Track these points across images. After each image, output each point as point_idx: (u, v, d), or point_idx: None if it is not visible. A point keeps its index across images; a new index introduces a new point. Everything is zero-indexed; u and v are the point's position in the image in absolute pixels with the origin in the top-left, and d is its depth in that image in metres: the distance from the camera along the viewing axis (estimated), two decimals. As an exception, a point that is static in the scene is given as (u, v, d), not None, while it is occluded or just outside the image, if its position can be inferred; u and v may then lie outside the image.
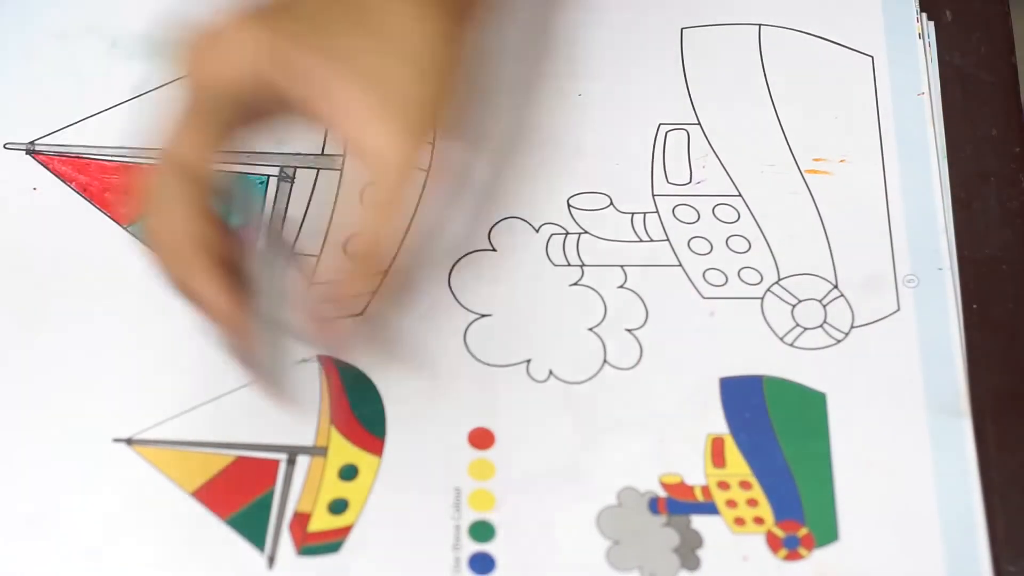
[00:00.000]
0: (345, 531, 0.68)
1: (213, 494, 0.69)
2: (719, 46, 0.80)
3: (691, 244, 0.75)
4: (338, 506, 0.69)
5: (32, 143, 0.77)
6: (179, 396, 0.71)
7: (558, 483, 0.69)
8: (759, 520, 0.69)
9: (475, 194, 0.76)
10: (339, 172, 0.76)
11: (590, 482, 0.69)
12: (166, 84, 0.78)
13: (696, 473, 0.70)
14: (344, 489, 0.69)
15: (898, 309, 0.73)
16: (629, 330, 0.73)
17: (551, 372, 0.72)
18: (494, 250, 0.75)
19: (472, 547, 0.68)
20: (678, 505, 0.69)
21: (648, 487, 0.69)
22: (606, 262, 0.74)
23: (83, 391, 0.71)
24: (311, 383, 0.71)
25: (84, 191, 0.76)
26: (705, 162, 0.77)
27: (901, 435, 0.70)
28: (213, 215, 0.65)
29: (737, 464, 0.70)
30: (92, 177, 0.76)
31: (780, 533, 0.68)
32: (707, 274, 0.74)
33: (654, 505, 0.69)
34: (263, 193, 0.76)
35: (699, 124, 0.78)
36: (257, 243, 0.70)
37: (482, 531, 0.69)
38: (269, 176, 0.76)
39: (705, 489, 0.69)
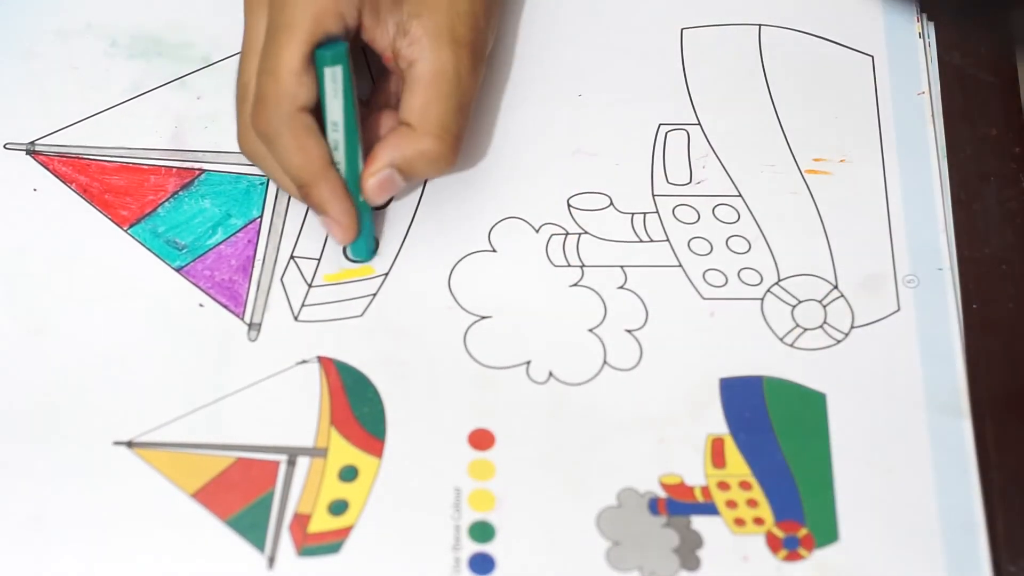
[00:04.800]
0: (345, 532, 0.69)
1: (213, 495, 0.69)
2: (719, 46, 0.80)
3: (691, 244, 0.75)
4: (338, 507, 0.69)
5: (32, 143, 0.77)
6: (179, 398, 0.71)
7: (558, 483, 0.70)
8: (759, 520, 0.69)
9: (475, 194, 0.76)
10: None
11: (590, 483, 0.69)
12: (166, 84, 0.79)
13: (696, 473, 0.70)
14: (344, 490, 0.69)
15: (898, 309, 0.73)
16: (629, 331, 0.73)
17: (551, 374, 0.72)
18: (494, 250, 0.75)
19: (472, 547, 0.68)
20: (678, 506, 0.69)
21: (648, 488, 0.69)
22: (606, 263, 0.74)
23: (83, 394, 0.71)
24: (311, 384, 0.71)
25: (84, 192, 0.76)
26: (705, 162, 0.77)
27: (901, 435, 0.70)
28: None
29: (737, 464, 0.70)
30: (92, 178, 0.76)
31: (780, 533, 0.68)
32: (707, 275, 0.74)
33: (654, 506, 0.69)
34: (263, 194, 0.76)
35: (699, 124, 0.78)
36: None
37: (482, 531, 0.69)
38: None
39: (705, 490, 0.69)
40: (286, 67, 0.69)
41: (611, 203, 0.76)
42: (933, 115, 0.78)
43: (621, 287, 0.74)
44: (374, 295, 0.73)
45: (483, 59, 0.74)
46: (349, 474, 0.69)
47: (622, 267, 0.74)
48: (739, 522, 0.69)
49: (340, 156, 0.71)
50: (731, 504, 0.69)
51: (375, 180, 0.72)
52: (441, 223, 0.75)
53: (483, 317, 0.73)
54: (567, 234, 0.75)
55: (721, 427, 0.71)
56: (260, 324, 0.73)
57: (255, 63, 0.71)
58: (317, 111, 0.71)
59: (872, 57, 0.79)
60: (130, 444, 0.70)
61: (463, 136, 0.73)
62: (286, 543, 0.68)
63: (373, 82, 0.76)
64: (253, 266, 0.74)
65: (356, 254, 0.74)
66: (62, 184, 0.76)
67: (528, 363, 0.72)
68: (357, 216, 0.73)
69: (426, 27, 0.72)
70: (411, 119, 0.72)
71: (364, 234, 0.73)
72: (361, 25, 0.72)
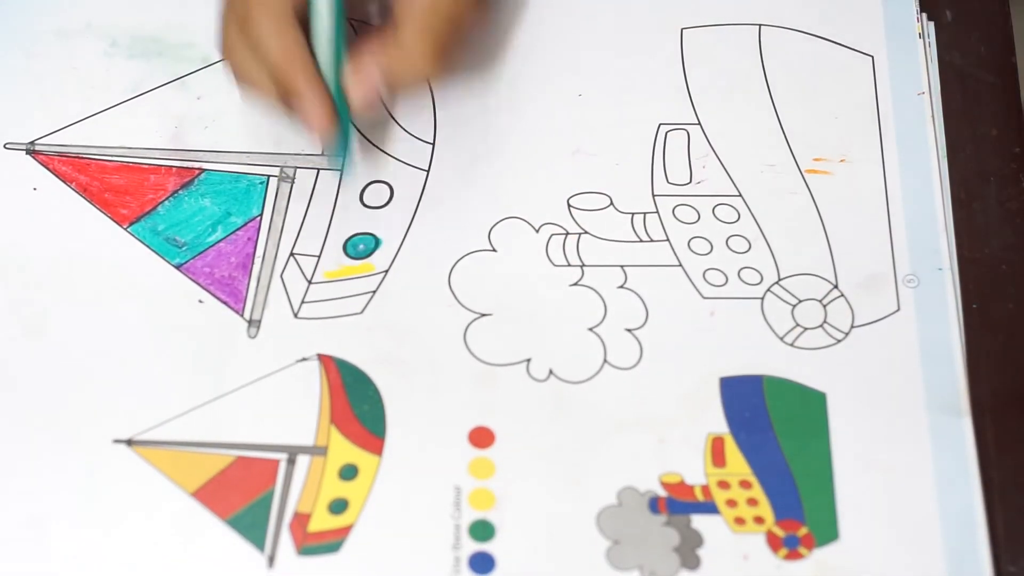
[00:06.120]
0: (345, 531, 0.69)
1: (213, 494, 0.69)
2: (719, 46, 0.80)
3: (691, 244, 0.75)
4: (338, 506, 0.69)
5: (32, 143, 0.77)
6: (179, 396, 0.71)
7: (558, 483, 0.69)
8: (759, 519, 0.69)
9: (476, 194, 0.76)
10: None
11: (590, 482, 0.69)
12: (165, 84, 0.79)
13: (696, 473, 0.70)
14: (344, 489, 0.69)
15: (898, 309, 0.73)
16: (629, 330, 0.73)
17: (551, 372, 0.72)
18: (494, 250, 0.75)
19: (472, 546, 0.68)
20: (678, 505, 0.69)
21: (648, 487, 0.69)
22: (606, 262, 0.74)
23: (83, 392, 0.71)
24: (311, 382, 0.71)
25: (84, 191, 0.76)
26: (705, 162, 0.77)
27: (901, 435, 0.70)
28: None
29: (737, 463, 0.70)
30: (92, 177, 0.76)
31: (780, 532, 0.68)
32: (707, 274, 0.74)
33: (654, 505, 0.69)
34: (263, 192, 0.76)
35: (699, 124, 0.78)
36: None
37: (482, 530, 0.69)
38: (269, 176, 0.77)
39: (705, 488, 0.69)
40: None
41: (611, 203, 0.76)
42: (933, 115, 0.78)
43: (621, 286, 0.74)
44: (374, 292, 0.73)
45: None
46: (349, 473, 0.69)
47: (622, 267, 0.74)
48: (739, 521, 0.69)
49: (324, 49, 0.72)
50: (731, 503, 0.69)
51: (356, 77, 0.73)
52: (441, 222, 0.75)
53: (483, 315, 0.73)
54: (567, 234, 0.75)
55: (721, 426, 0.71)
56: (260, 321, 0.73)
57: None
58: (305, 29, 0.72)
59: (872, 57, 0.79)
60: (130, 442, 0.70)
61: (450, 48, 0.73)
62: (286, 542, 0.68)
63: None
64: (253, 263, 0.74)
65: (334, 153, 0.74)
66: (62, 184, 0.76)
67: (528, 360, 0.72)
68: (334, 108, 0.73)
69: None
70: (399, 24, 0.72)
71: (343, 133, 0.73)
72: None
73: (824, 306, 0.73)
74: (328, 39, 0.72)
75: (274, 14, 0.71)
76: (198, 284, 0.74)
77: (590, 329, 0.73)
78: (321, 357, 0.72)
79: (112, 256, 0.74)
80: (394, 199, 0.76)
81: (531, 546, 0.68)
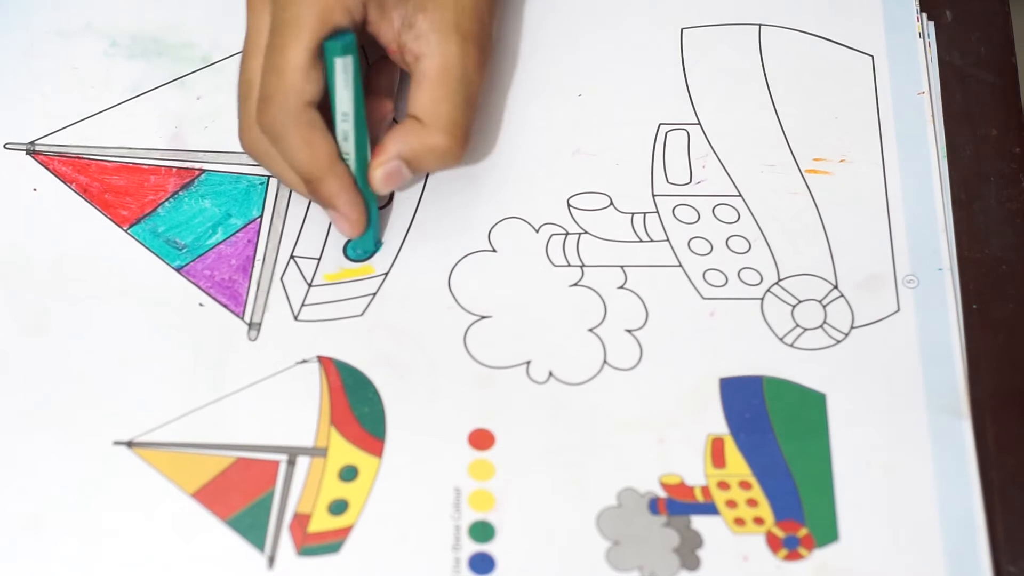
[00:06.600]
0: (345, 532, 0.69)
1: (213, 495, 0.69)
2: (719, 46, 0.80)
3: (691, 244, 0.75)
4: (338, 507, 0.69)
5: (32, 143, 0.77)
6: (179, 398, 0.71)
7: (558, 483, 0.70)
8: (759, 520, 0.69)
9: (475, 194, 0.76)
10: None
11: (590, 483, 0.69)
12: (165, 84, 0.79)
13: (696, 473, 0.70)
14: (344, 490, 0.69)
15: (898, 309, 0.73)
16: (629, 331, 0.73)
17: (551, 374, 0.72)
18: (494, 250, 0.75)
19: (472, 547, 0.68)
20: (678, 505, 0.69)
21: (648, 487, 0.69)
22: (606, 262, 0.74)
23: (83, 394, 0.71)
24: (311, 384, 0.71)
25: (84, 192, 0.76)
26: (705, 162, 0.77)
27: (901, 435, 0.70)
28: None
29: (737, 464, 0.70)
30: (92, 178, 0.76)
31: (780, 533, 0.68)
32: (707, 274, 0.74)
33: (654, 505, 0.69)
34: (263, 194, 0.76)
35: (699, 124, 0.78)
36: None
37: (482, 531, 0.69)
38: (269, 177, 0.76)
39: (705, 489, 0.69)
40: (292, 64, 0.69)
41: (611, 203, 0.76)
42: (933, 115, 0.78)
43: (621, 287, 0.74)
44: (374, 294, 0.73)
45: (489, 52, 0.73)
46: (349, 474, 0.70)
47: (622, 267, 0.74)
48: (739, 522, 0.69)
49: (350, 147, 0.71)
50: (731, 504, 0.69)
51: (383, 171, 0.72)
52: (441, 223, 0.75)
53: (483, 317, 0.73)
54: (567, 234, 0.75)
55: (721, 427, 0.71)
56: (260, 324, 0.73)
57: (259, 61, 0.71)
58: (321, 105, 0.71)
59: (872, 57, 0.79)
60: (130, 444, 0.70)
61: (471, 130, 0.73)
62: (286, 543, 0.68)
63: (369, 66, 0.76)
64: (253, 266, 0.74)
65: (363, 246, 0.74)
66: (62, 184, 0.76)
67: (528, 363, 0.72)
68: (366, 209, 0.73)
69: (432, 21, 0.71)
70: (420, 114, 0.72)
71: (371, 226, 0.73)
72: (366, 19, 0.71)
73: (824, 306, 0.73)
74: (352, 137, 0.71)
75: (299, 124, 0.70)
76: (198, 287, 0.73)
77: (590, 330, 0.73)
78: (321, 359, 0.72)
79: (112, 258, 0.74)
80: (394, 200, 0.76)
81: (531, 547, 0.68)
